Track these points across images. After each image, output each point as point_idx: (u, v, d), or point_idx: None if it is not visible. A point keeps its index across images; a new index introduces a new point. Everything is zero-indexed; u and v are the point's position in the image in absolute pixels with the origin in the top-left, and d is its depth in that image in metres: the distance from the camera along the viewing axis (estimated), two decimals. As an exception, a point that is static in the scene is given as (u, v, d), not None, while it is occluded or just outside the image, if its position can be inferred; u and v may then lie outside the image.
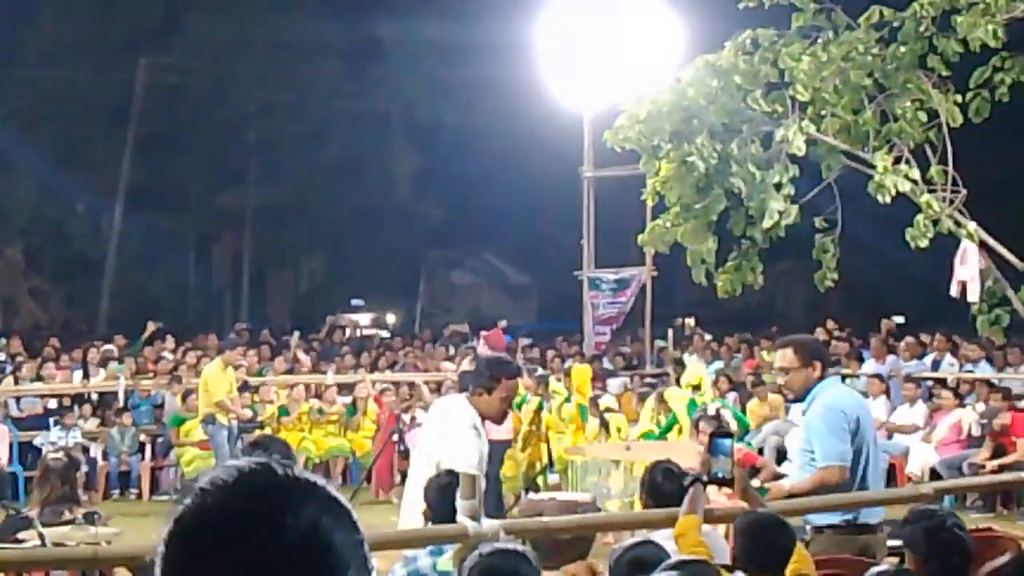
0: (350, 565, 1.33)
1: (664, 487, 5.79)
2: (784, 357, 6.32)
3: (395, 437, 13.13)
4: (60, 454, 7.10)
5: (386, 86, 34.63)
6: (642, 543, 4.43)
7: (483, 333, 13.93)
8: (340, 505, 1.36)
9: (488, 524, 5.19)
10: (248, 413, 15.87)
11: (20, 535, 6.27)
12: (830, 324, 19.91)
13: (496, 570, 3.70)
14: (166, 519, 1.35)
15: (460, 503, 5.16)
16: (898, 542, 6.61)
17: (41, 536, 6.00)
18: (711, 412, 12.37)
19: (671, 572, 3.41)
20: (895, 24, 11.42)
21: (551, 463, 12.68)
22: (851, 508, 6.11)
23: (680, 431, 13.24)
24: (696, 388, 14.94)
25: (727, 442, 5.40)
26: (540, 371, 15.60)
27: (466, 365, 13.05)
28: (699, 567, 3.62)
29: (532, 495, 10.26)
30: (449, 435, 6.11)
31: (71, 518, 6.64)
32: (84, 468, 14.45)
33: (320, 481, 1.37)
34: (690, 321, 25.39)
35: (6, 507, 8.49)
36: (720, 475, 5.30)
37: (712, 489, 5.90)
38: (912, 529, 4.64)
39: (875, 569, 4.38)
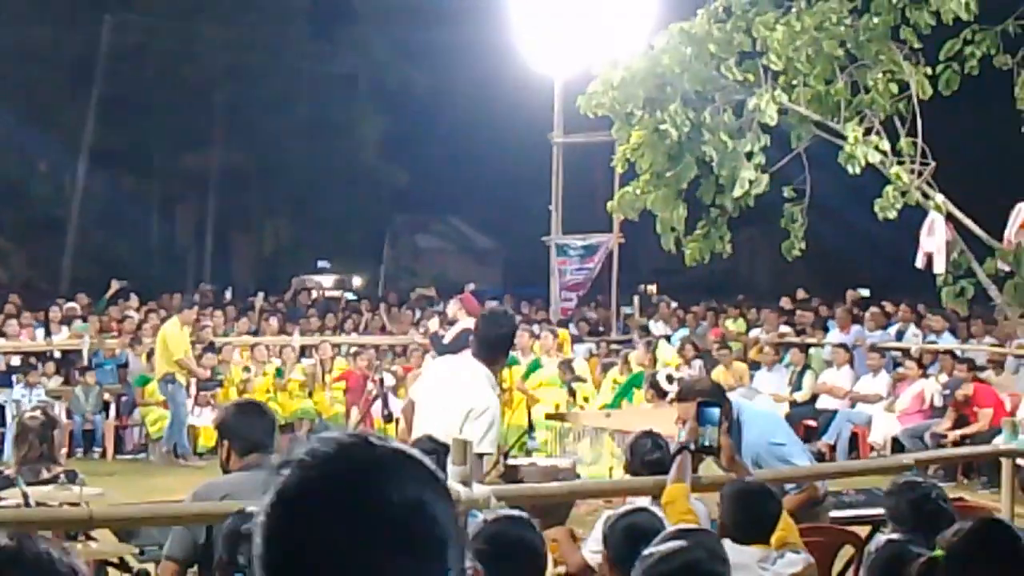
0: (449, 539, 1.33)
1: (649, 455, 5.82)
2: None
3: (377, 401, 13.09)
4: (38, 412, 7.02)
5: (354, 49, 34.41)
6: (638, 510, 4.45)
7: (461, 295, 13.95)
8: (439, 479, 1.36)
9: (479, 490, 5.20)
10: (206, 373, 15.87)
11: (2, 494, 6.22)
12: (800, 294, 20.05)
13: (502, 536, 3.72)
14: (266, 489, 1.34)
15: (452, 468, 5.17)
16: (872, 511, 6.73)
17: (25, 495, 5.96)
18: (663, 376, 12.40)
19: (676, 542, 3.42)
20: (868, -6, 11.47)
21: (531, 427, 12.74)
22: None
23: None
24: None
25: (715, 411, 5.44)
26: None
27: (434, 327, 13.09)
28: (702, 535, 3.64)
29: (510, 460, 10.25)
30: (478, 408, 6.11)
31: (50, 477, 6.59)
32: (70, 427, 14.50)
33: (418, 455, 1.37)
34: (652, 288, 25.50)
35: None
36: (707, 444, 5.35)
37: None
38: (896, 501, 4.67)
39: (883, 537, 4.41)
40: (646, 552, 3.41)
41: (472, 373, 6.29)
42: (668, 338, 16.64)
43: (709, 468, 5.94)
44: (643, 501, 5.38)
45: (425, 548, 1.31)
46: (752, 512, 4.71)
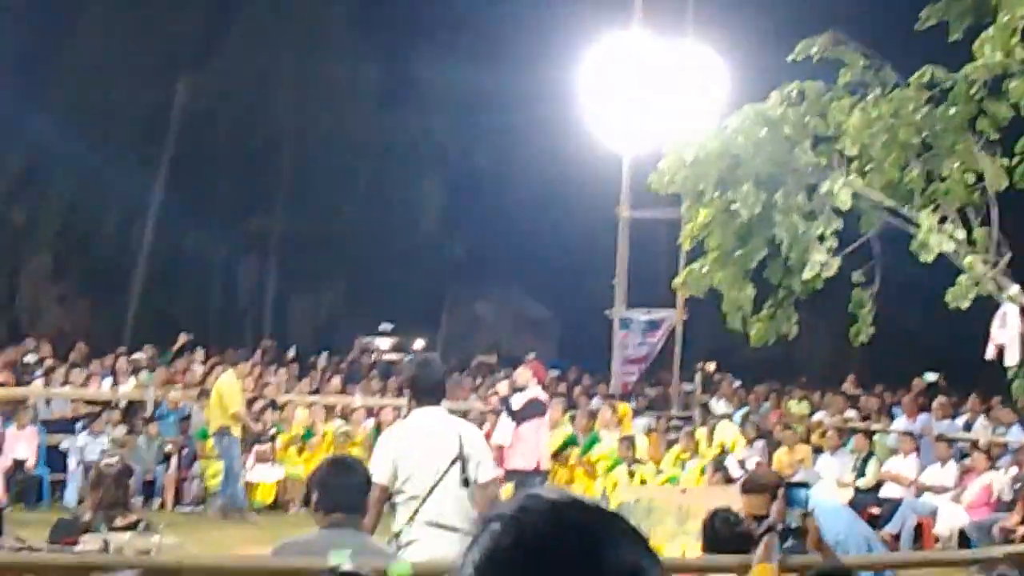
0: None
1: (723, 533, 5.81)
2: None
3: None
4: (115, 460, 7.16)
5: (419, 124, 34.86)
6: None
7: (529, 362, 14.08)
8: (648, 544, 1.33)
9: None
10: (260, 427, 15.97)
11: (79, 539, 6.33)
12: (851, 379, 19.90)
13: None
14: (471, 545, 1.31)
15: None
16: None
17: (105, 542, 6.06)
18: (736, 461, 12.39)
19: None
20: (946, 85, 11.52)
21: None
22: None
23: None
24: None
25: (803, 492, 5.43)
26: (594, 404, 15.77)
27: (503, 391, 13.21)
28: None
29: None
30: (469, 434, 6.32)
31: (125, 524, 6.70)
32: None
33: (626, 518, 1.34)
34: (710, 365, 25.43)
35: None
36: (793, 525, 5.34)
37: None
38: None
39: None
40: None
41: (443, 417, 6.33)
42: (730, 417, 16.59)
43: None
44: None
45: None
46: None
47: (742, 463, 10.50)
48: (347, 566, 4.18)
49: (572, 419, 15.28)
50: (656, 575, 1.30)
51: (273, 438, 16.18)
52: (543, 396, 13.06)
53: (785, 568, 5.44)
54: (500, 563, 1.27)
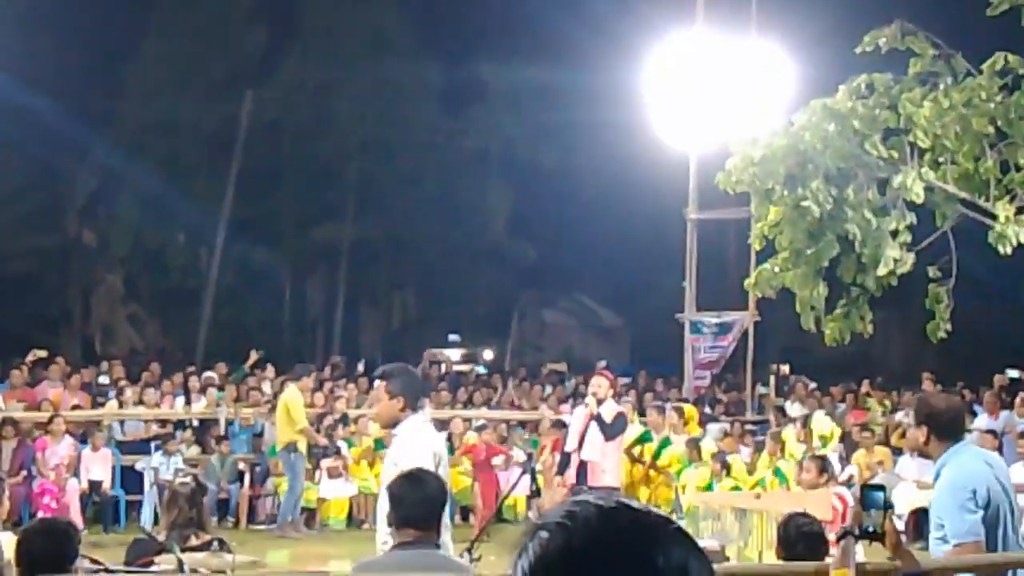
0: None
1: (796, 537, 5.63)
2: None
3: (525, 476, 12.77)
4: (188, 479, 7.12)
5: (485, 126, 34.84)
6: None
7: (599, 366, 13.77)
8: (699, 547, 1.34)
9: None
10: (324, 440, 15.95)
11: (154, 559, 6.27)
12: (927, 378, 19.44)
13: None
14: (520, 553, 1.32)
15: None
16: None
17: (180, 561, 5.99)
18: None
19: None
20: (1019, 72, 11.22)
21: (679, 507, 12.52)
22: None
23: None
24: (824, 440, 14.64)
25: (880, 495, 5.24)
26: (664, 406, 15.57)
27: (594, 407, 12.74)
28: None
29: None
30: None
31: (199, 543, 6.64)
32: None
33: (678, 522, 1.35)
34: (784, 367, 25.11)
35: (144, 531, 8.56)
36: (871, 529, 5.15)
37: None
38: None
39: None
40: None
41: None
42: (806, 420, 16.27)
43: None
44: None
45: None
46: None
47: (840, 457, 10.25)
48: None
49: (644, 424, 15.09)
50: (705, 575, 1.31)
51: (338, 451, 16.10)
52: (624, 409, 12.73)
53: (863, 573, 5.24)
54: (550, 568, 1.29)
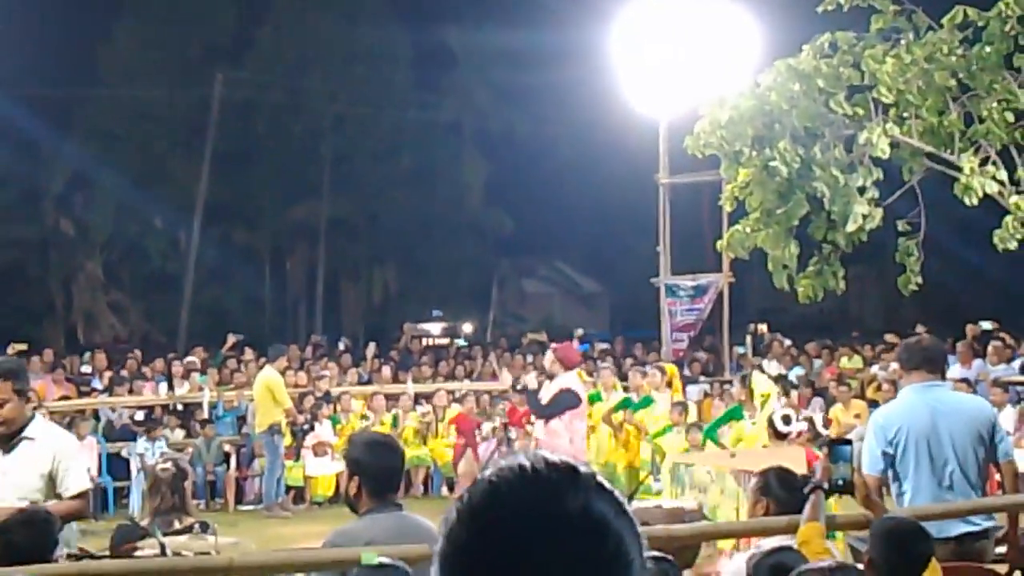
0: (633, 563, 1.36)
1: (779, 494, 5.71)
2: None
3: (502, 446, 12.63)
4: (169, 464, 7.16)
5: (457, 96, 34.84)
6: (782, 549, 4.42)
7: (554, 345, 12.77)
8: (617, 497, 1.40)
9: None
10: (303, 418, 16.07)
11: (138, 544, 6.36)
12: (919, 328, 19.55)
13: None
14: (453, 505, 1.41)
15: None
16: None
17: (162, 546, 6.08)
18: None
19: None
20: (979, 24, 11.31)
21: (657, 469, 12.60)
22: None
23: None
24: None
25: (847, 448, 5.36)
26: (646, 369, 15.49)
27: (532, 384, 12.14)
28: (853, 571, 3.61)
29: (635, 503, 9.87)
30: None
31: (182, 527, 6.72)
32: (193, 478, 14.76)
33: (598, 475, 1.41)
34: (762, 327, 25.29)
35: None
36: (840, 482, 5.27)
37: None
38: None
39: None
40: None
41: None
42: (785, 377, 16.35)
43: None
44: (773, 541, 5.30)
45: (610, 567, 1.34)
46: (905, 551, 4.57)
47: (786, 419, 10.18)
48: (378, 559, 4.20)
49: (625, 388, 15.19)
50: (629, 532, 1.37)
51: (312, 428, 16.16)
52: (575, 384, 11.63)
53: (833, 526, 5.36)
54: (475, 518, 1.37)
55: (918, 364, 6.28)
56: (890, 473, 6.13)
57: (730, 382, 16.99)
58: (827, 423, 13.75)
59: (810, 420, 11.51)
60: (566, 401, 11.36)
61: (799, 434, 10.20)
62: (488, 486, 1.38)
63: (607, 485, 1.40)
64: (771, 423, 10.94)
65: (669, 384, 15.16)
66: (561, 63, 28.28)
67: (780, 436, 10.58)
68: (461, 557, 1.36)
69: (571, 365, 11.77)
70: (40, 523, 5.24)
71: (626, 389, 14.94)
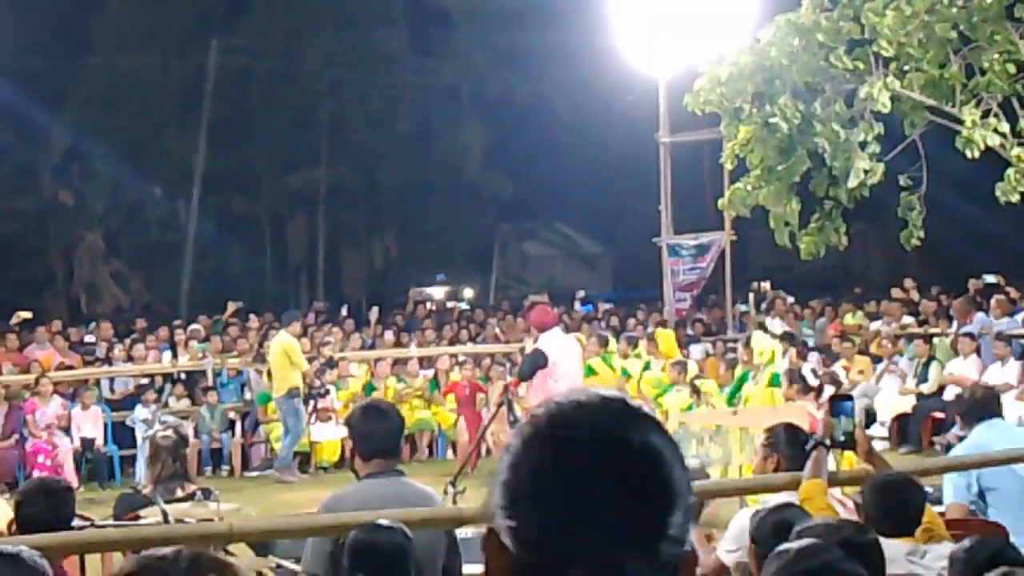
0: (679, 497, 1.42)
1: (788, 450, 5.69)
2: None
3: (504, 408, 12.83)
4: (169, 432, 7.17)
5: (454, 59, 34.60)
6: (785, 506, 4.40)
7: (530, 308, 13.44)
8: (674, 441, 1.46)
9: None
10: (318, 382, 16.06)
11: (141, 512, 6.36)
12: (909, 283, 19.55)
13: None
14: (513, 435, 1.46)
15: None
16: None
17: (164, 513, 6.08)
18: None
19: (812, 540, 3.36)
20: (980, -25, 11.22)
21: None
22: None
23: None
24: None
25: (848, 404, 5.35)
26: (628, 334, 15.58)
27: (528, 348, 12.81)
28: (850, 530, 3.59)
29: None
30: None
31: (185, 494, 6.73)
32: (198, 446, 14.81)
33: (644, 407, 1.48)
34: (765, 285, 25.27)
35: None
36: (842, 438, 5.25)
37: None
38: None
39: None
40: (782, 548, 3.35)
41: None
42: (793, 336, 16.31)
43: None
44: (776, 498, 5.28)
45: (659, 497, 1.41)
46: (898, 504, 4.61)
47: (814, 371, 10.30)
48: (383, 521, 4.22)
49: (635, 346, 15.24)
50: (679, 468, 1.43)
51: (327, 391, 16.17)
52: (548, 344, 12.08)
53: (836, 482, 5.35)
54: (544, 447, 1.42)
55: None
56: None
57: (734, 340, 17.02)
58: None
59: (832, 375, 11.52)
60: (533, 361, 12.03)
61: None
62: (555, 417, 1.43)
63: (656, 417, 1.47)
64: (798, 377, 10.94)
65: (660, 349, 15.29)
66: (559, 23, 28.06)
67: (808, 390, 10.59)
68: (532, 485, 1.40)
69: (543, 327, 12.34)
70: (59, 492, 5.21)
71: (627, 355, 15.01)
